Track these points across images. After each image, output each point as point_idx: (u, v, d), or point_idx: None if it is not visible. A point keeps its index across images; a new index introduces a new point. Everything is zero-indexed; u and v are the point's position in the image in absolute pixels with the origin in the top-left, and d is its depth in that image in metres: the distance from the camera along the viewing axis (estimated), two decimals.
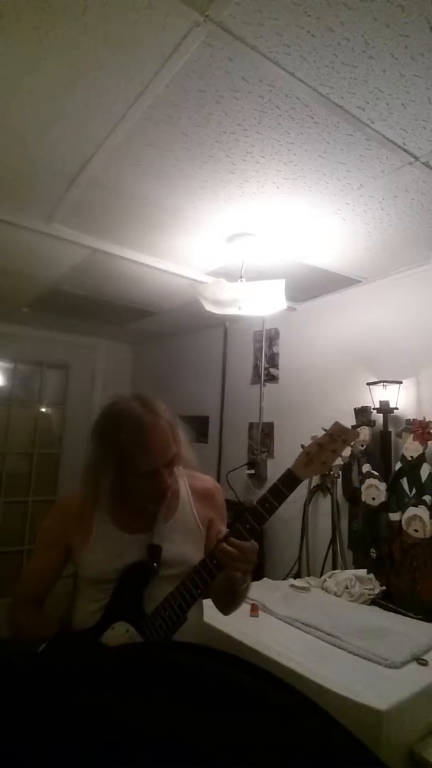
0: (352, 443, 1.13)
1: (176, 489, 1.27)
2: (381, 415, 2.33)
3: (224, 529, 1.30)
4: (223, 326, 3.60)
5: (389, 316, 2.49)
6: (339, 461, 1.16)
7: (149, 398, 1.18)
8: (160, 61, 1.14)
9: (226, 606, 1.28)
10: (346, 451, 1.16)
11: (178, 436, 1.18)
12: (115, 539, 1.19)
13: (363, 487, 2.25)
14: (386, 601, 2.02)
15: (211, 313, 2.25)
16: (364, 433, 2.34)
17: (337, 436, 1.11)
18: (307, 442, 1.16)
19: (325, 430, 1.12)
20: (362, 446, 2.33)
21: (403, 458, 2.16)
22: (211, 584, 1.16)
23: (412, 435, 2.14)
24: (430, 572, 1.97)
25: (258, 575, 2.33)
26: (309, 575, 2.50)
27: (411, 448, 2.13)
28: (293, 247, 2.18)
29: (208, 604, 1.31)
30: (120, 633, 1.11)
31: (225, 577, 1.12)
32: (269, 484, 3.25)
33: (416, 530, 2.01)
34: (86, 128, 1.39)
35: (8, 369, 4.03)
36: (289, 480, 1.10)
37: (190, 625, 1.16)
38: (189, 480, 1.32)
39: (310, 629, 1.65)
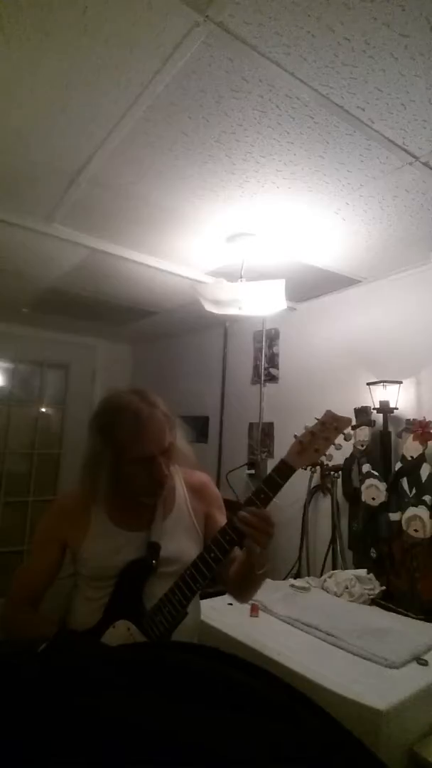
0: (345, 431, 1.12)
1: (172, 486, 1.28)
2: (381, 415, 2.33)
3: (224, 520, 1.31)
4: (223, 326, 3.60)
5: (389, 316, 2.49)
6: (333, 450, 1.15)
7: (145, 390, 1.20)
8: (160, 61, 1.14)
9: (245, 590, 1.26)
10: (340, 440, 1.15)
11: (174, 429, 1.20)
12: (113, 536, 1.19)
13: (363, 487, 2.25)
14: (386, 601, 2.02)
15: (211, 313, 2.25)
16: (364, 433, 2.34)
17: (329, 424, 1.10)
18: None
19: (318, 419, 1.13)
20: (362, 446, 2.33)
21: (403, 458, 2.16)
22: (225, 574, 1.16)
23: (412, 435, 2.14)
24: (430, 572, 1.97)
25: None
26: (309, 575, 2.49)
27: (411, 448, 2.13)
28: (293, 247, 2.18)
29: (207, 604, 1.31)
30: (121, 631, 1.11)
31: (243, 558, 1.13)
32: None
33: (416, 530, 2.01)
34: (86, 128, 1.39)
35: (8, 369, 4.03)
36: (283, 470, 1.09)
37: (188, 623, 1.16)
38: (183, 476, 1.33)
39: (310, 629, 1.65)
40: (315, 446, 1.09)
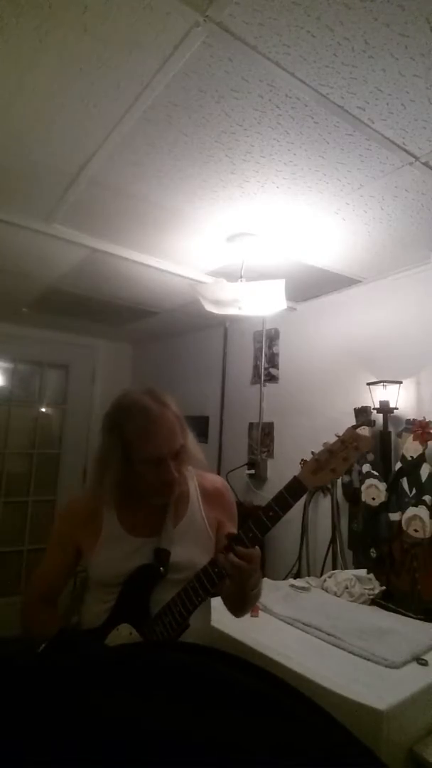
0: (364, 451, 1.06)
1: (185, 490, 1.26)
2: (381, 415, 2.33)
3: (234, 531, 1.29)
4: (223, 326, 3.60)
5: (389, 316, 2.49)
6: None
7: (158, 391, 1.19)
8: (160, 62, 1.14)
9: (238, 609, 1.25)
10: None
11: (186, 430, 1.19)
12: (124, 542, 1.18)
13: (363, 487, 2.25)
14: (386, 601, 2.02)
15: (211, 313, 2.25)
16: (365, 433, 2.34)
17: (349, 443, 1.04)
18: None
19: (338, 436, 1.05)
20: None
21: (403, 458, 2.16)
22: (222, 588, 1.15)
23: (412, 435, 2.14)
24: (430, 572, 1.97)
25: None
26: (309, 575, 2.50)
27: (411, 448, 2.13)
28: (293, 247, 2.18)
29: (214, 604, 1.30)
30: (123, 635, 1.11)
31: (234, 583, 1.10)
32: (269, 484, 3.24)
33: (416, 530, 2.01)
34: (86, 128, 1.39)
35: (8, 369, 4.03)
36: (295, 488, 1.05)
37: (197, 629, 1.14)
38: (198, 480, 1.31)
39: (310, 629, 1.65)
40: (332, 466, 1.04)
